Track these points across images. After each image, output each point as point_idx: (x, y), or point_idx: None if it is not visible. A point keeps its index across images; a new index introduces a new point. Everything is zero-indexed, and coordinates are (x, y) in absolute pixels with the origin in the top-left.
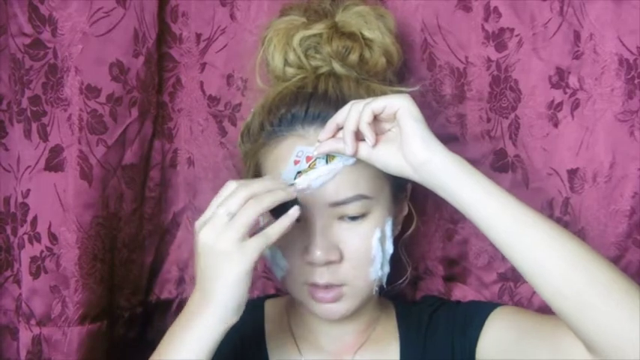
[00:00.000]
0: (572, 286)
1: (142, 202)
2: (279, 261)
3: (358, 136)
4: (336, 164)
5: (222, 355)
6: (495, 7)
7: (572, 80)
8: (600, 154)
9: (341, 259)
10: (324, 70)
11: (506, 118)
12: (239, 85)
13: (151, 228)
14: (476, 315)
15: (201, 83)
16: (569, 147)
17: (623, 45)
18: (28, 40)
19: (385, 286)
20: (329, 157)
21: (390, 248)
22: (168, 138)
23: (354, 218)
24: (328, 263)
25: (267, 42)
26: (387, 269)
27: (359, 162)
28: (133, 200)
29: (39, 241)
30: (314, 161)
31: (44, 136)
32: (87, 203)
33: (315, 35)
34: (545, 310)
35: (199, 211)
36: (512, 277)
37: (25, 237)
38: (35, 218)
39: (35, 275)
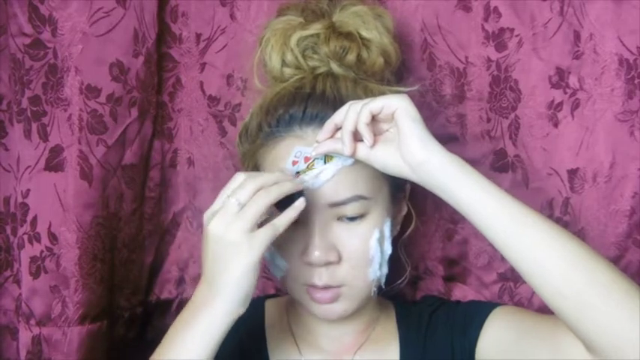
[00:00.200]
0: (572, 287)
1: (142, 202)
2: (278, 262)
3: (356, 137)
4: (335, 165)
5: (222, 354)
6: (495, 7)
7: (572, 80)
8: (600, 154)
9: (339, 259)
10: (321, 70)
11: (506, 118)
12: (239, 85)
13: (151, 228)
14: (476, 315)
15: (201, 83)
16: (569, 147)
17: (623, 45)
18: (28, 40)
19: (384, 287)
20: (327, 158)
21: (388, 249)
22: (168, 138)
23: (352, 219)
24: (327, 264)
25: (264, 42)
26: (385, 270)
27: (357, 162)
28: (133, 200)
29: (39, 241)
30: (312, 162)
31: (44, 136)
32: (87, 203)
33: (312, 35)
34: (545, 310)
35: (199, 211)
36: (512, 277)
37: (25, 237)
38: (35, 218)
39: (35, 275)
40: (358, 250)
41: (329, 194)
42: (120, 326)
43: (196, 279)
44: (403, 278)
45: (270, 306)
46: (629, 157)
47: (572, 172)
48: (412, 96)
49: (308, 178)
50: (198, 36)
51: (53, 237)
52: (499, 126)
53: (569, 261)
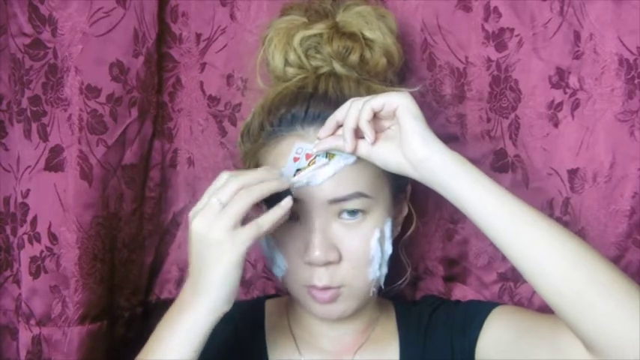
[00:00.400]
0: (572, 286)
1: (142, 202)
2: (278, 261)
3: (358, 134)
4: (336, 162)
5: (222, 354)
6: (495, 7)
7: (573, 80)
8: (600, 154)
9: (340, 259)
10: (324, 70)
11: (506, 118)
12: (239, 85)
13: (151, 228)
14: (475, 314)
15: (201, 83)
16: (569, 147)
17: (623, 45)
18: (28, 40)
19: (383, 287)
20: (329, 155)
21: (388, 249)
22: (168, 138)
23: (353, 214)
24: (327, 264)
25: (267, 42)
26: (385, 270)
27: (359, 161)
28: (133, 200)
29: (39, 241)
30: (313, 159)
31: (44, 136)
32: (87, 203)
33: (315, 35)
34: (545, 309)
35: None
36: (512, 277)
37: (25, 237)
38: (35, 218)
39: (35, 275)
40: (359, 250)
41: (329, 191)
42: (120, 326)
43: None
44: (403, 279)
45: (270, 306)
46: (629, 157)
47: (573, 172)
48: (413, 96)
49: (307, 174)
50: (198, 36)
51: (53, 237)
52: (499, 126)
53: (570, 260)
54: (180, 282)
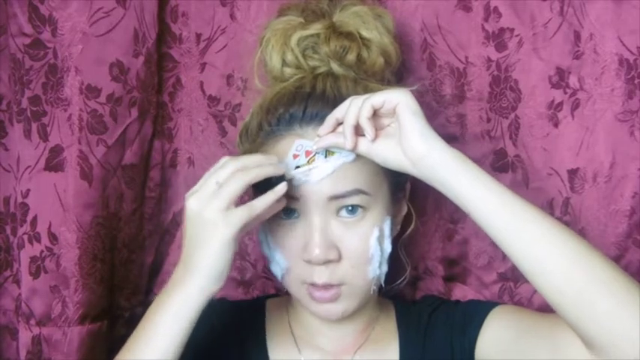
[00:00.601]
0: (573, 284)
1: (142, 202)
2: (278, 260)
3: (358, 131)
4: (336, 159)
5: (223, 354)
6: (495, 7)
7: (573, 80)
8: (600, 154)
9: (339, 258)
10: (321, 70)
11: (506, 118)
12: (239, 85)
13: (151, 228)
14: (475, 314)
15: (201, 83)
16: (569, 147)
17: (623, 45)
18: (28, 40)
19: (383, 286)
20: (328, 153)
21: (388, 247)
22: (168, 138)
23: (352, 212)
24: (327, 262)
25: (264, 42)
26: (385, 268)
27: (358, 158)
28: (133, 200)
29: (39, 241)
30: (313, 156)
31: (44, 136)
32: (87, 203)
33: (312, 35)
34: (545, 309)
35: None
36: (512, 277)
37: (25, 237)
38: (35, 218)
39: (35, 275)
40: (358, 248)
41: (328, 187)
42: (120, 326)
43: None
44: (403, 278)
45: (270, 306)
46: (629, 157)
47: (573, 172)
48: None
49: (306, 171)
50: (198, 36)
51: (53, 237)
52: (499, 126)
53: (570, 258)
54: None
